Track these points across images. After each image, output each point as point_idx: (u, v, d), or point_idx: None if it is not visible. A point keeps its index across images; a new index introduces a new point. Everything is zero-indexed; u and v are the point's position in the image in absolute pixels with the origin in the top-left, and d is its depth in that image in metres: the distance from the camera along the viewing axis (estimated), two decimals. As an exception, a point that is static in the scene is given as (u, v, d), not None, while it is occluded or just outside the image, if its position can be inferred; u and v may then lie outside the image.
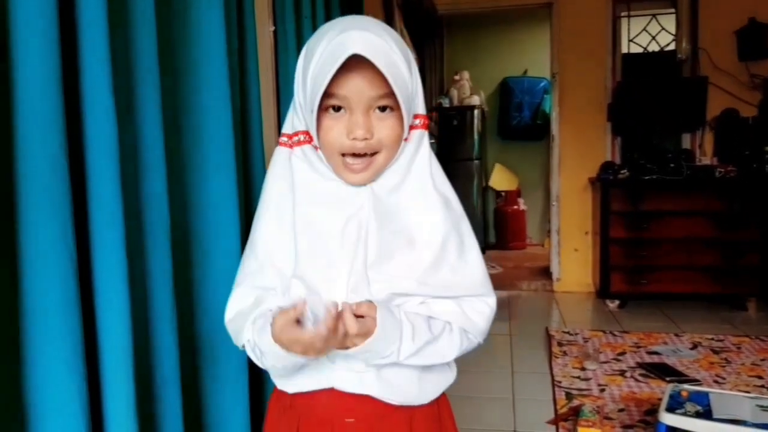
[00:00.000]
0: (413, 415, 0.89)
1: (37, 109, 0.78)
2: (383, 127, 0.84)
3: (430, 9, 4.66)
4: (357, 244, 0.84)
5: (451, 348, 0.87)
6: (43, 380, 0.80)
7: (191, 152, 1.24)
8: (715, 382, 2.61)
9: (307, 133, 0.87)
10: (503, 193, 6.33)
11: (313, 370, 0.86)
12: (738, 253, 3.79)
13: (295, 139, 0.88)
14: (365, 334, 0.79)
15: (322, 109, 0.83)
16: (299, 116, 0.88)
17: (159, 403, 1.07)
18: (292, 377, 0.88)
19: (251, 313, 0.87)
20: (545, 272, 4.83)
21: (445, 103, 5.89)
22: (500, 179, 6.44)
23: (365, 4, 3.00)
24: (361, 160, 0.84)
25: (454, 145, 5.78)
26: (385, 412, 0.86)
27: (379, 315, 0.80)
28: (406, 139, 0.87)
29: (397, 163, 0.87)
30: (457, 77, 6.07)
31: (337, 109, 0.83)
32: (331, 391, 0.86)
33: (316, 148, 0.87)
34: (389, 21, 3.51)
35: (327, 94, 0.81)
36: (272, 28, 1.68)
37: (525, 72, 6.36)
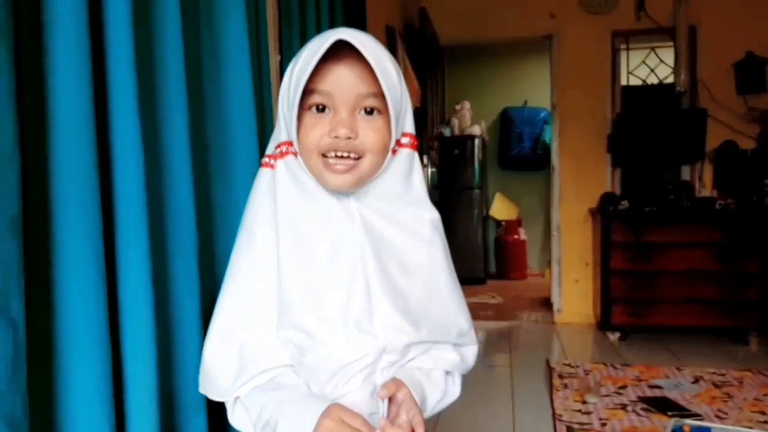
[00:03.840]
0: None
1: (71, 119, 0.75)
2: (369, 129, 0.78)
3: (432, 40, 4.72)
4: (353, 278, 0.80)
5: (455, 388, 0.92)
6: (74, 392, 0.78)
7: (219, 164, 1.21)
8: (717, 417, 2.57)
9: (289, 143, 0.81)
10: (504, 223, 6.33)
11: None
12: (739, 286, 3.78)
13: (277, 151, 0.83)
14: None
15: (305, 108, 0.78)
16: (282, 127, 0.82)
17: (185, 424, 1.03)
18: None
19: (240, 373, 0.82)
20: (546, 303, 4.81)
21: (447, 132, 5.94)
22: (501, 209, 6.45)
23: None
24: (344, 162, 0.78)
25: (455, 174, 5.81)
26: None
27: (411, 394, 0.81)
28: (394, 151, 0.82)
29: (383, 178, 0.82)
30: (458, 107, 6.12)
31: (321, 109, 0.78)
32: None
33: (295, 154, 0.81)
34: (392, 51, 3.56)
35: (311, 91, 0.77)
36: (278, 58, 1.70)
37: (525, 102, 6.42)
